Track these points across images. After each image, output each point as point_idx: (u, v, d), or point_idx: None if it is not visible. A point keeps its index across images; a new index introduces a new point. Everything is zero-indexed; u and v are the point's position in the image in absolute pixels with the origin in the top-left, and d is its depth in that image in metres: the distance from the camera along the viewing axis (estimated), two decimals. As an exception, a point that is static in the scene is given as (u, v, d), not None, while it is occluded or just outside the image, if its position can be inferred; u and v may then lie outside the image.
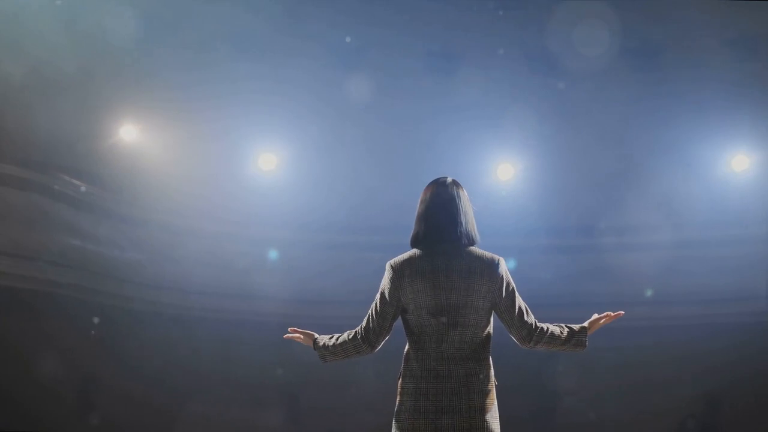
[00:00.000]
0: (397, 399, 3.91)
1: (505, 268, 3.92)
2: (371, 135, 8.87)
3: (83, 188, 9.07)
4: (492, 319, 3.95)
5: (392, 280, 3.91)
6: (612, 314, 4.09)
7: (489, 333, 3.93)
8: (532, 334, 3.94)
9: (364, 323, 3.98)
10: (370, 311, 3.97)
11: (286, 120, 8.74)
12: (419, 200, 4.02)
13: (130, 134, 8.91)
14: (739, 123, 8.66)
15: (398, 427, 3.86)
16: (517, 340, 3.99)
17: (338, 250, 9.38)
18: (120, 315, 9.12)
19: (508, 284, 3.92)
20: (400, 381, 3.93)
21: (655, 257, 8.98)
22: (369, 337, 3.95)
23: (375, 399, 7.77)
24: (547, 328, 3.97)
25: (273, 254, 9.32)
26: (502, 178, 9.06)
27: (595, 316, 4.10)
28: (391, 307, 3.91)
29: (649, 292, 9.09)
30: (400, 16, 8.41)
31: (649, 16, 8.24)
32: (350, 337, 4.00)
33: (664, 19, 8.32)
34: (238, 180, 9.09)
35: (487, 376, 3.88)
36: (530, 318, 3.96)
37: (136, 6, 8.34)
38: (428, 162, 8.74)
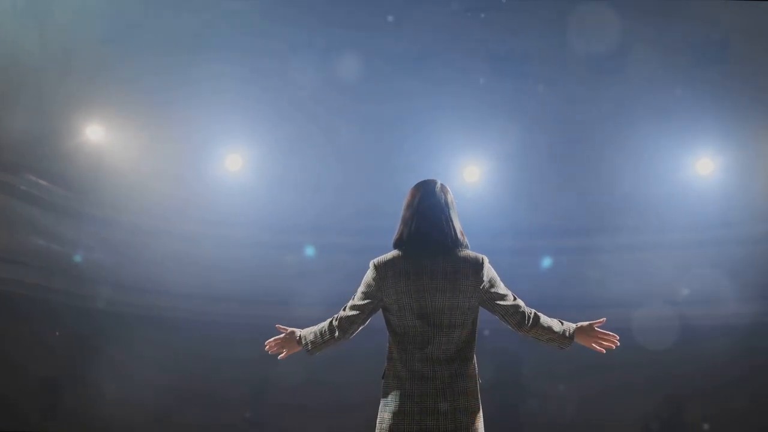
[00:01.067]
0: (381, 400, 3.91)
1: (489, 265, 3.93)
2: (338, 137, 8.86)
3: (51, 188, 9.02)
4: (478, 319, 3.96)
5: (375, 280, 3.92)
6: (607, 339, 4.09)
7: (474, 332, 3.94)
8: (527, 319, 3.96)
9: (341, 310, 3.99)
10: (349, 301, 3.99)
11: (252, 121, 8.72)
12: (405, 202, 4.02)
13: (98, 134, 8.89)
14: (705, 126, 8.68)
15: (382, 429, 3.86)
16: (513, 326, 3.98)
17: (308, 252, 9.37)
18: (92, 315, 9.11)
19: (493, 279, 3.94)
20: (383, 382, 3.93)
21: (621, 259, 9.01)
22: (342, 324, 3.96)
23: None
24: (541, 315, 3.99)
25: (243, 255, 9.29)
26: (469, 180, 9.06)
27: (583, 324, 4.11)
28: (370, 304, 3.94)
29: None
30: (367, 18, 8.38)
31: (615, 19, 8.24)
32: (327, 323, 4.02)
33: (630, 21, 8.31)
34: (205, 181, 9.07)
35: (472, 376, 3.90)
36: (522, 304, 3.98)
37: (103, 7, 8.29)
38: (395, 164, 8.76)
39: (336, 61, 8.49)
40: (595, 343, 4.09)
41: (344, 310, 3.99)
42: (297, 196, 9.04)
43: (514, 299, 3.97)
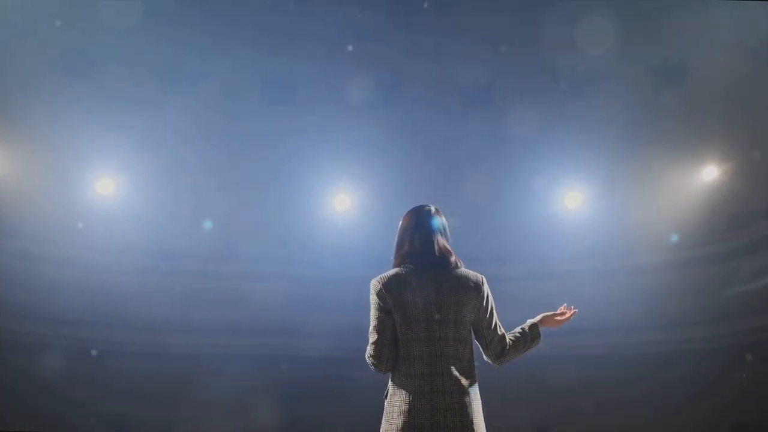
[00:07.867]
0: (385, 418, 3.86)
1: (487, 285, 4.01)
2: (212, 160, 8.76)
3: None
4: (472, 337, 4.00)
5: (382, 294, 3.90)
6: (567, 312, 4.27)
7: (473, 349, 3.97)
8: (505, 350, 4.02)
9: (371, 351, 3.91)
10: (372, 337, 3.91)
11: (122, 144, 8.57)
12: (402, 225, 4.09)
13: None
14: (571, 161, 8.86)
15: None
16: (491, 356, 4.03)
17: (186, 277, 9.21)
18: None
19: (491, 301, 4.01)
20: (387, 400, 3.89)
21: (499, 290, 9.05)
22: (374, 357, 3.90)
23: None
24: (510, 340, 4.05)
25: (123, 280, 9.12)
26: (339, 209, 9.04)
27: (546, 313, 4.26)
28: (389, 317, 3.90)
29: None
30: (244, 40, 8.28)
31: (477, 58, 8.36)
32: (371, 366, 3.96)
33: (491, 60, 8.45)
34: (79, 204, 8.90)
35: (476, 392, 3.90)
36: (505, 336, 4.04)
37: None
38: (270, 190, 8.75)
39: (206, 82, 8.36)
40: (560, 323, 4.29)
41: (369, 344, 3.93)
42: (173, 221, 8.94)
43: (500, 328, 4.04)
